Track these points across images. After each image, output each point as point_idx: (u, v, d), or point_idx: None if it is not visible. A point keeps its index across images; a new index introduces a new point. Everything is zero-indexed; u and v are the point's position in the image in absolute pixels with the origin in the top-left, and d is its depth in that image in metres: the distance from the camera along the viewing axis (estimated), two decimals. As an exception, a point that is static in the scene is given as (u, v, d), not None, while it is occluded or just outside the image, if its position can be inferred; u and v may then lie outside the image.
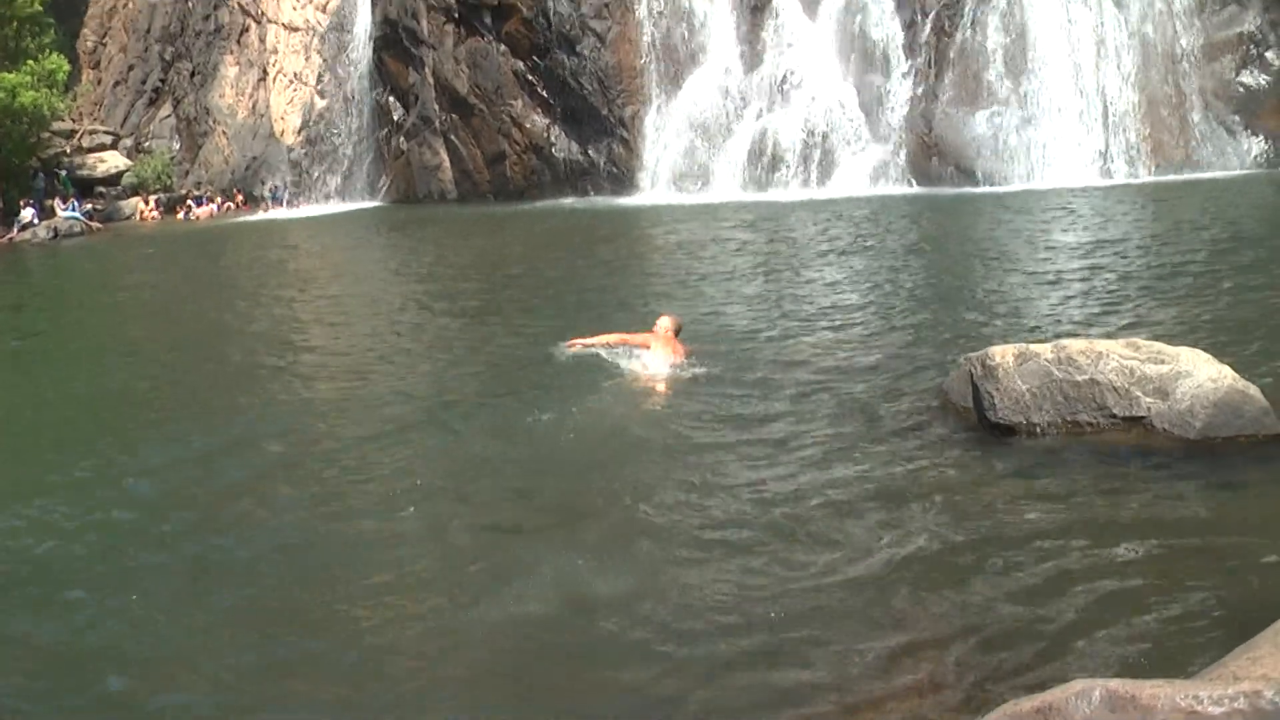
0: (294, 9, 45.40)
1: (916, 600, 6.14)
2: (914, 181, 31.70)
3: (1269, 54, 31.00)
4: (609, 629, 6.05)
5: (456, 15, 37.76)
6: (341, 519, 7.92)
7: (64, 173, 45.32)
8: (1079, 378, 8.25)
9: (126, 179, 47.26)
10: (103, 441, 10.38)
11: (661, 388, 10.78)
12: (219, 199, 45.22)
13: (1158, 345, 8.45)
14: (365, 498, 8.33)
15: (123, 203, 45.71)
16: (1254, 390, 8.03)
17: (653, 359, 11.44)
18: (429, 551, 7.30)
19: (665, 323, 12.04)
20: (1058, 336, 10.44)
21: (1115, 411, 8.10)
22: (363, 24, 42.03)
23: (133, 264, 29.71)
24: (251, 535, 7.72)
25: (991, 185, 30.24)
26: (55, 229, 39.61)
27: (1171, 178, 29.47)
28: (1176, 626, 5.61)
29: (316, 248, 29.12)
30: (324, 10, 44.69)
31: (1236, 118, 30.92)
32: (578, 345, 12.25)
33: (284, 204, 43.12)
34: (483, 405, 10.76)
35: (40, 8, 45.94)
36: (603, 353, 11.90)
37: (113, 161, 47.70)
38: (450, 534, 7.48)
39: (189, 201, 44.82)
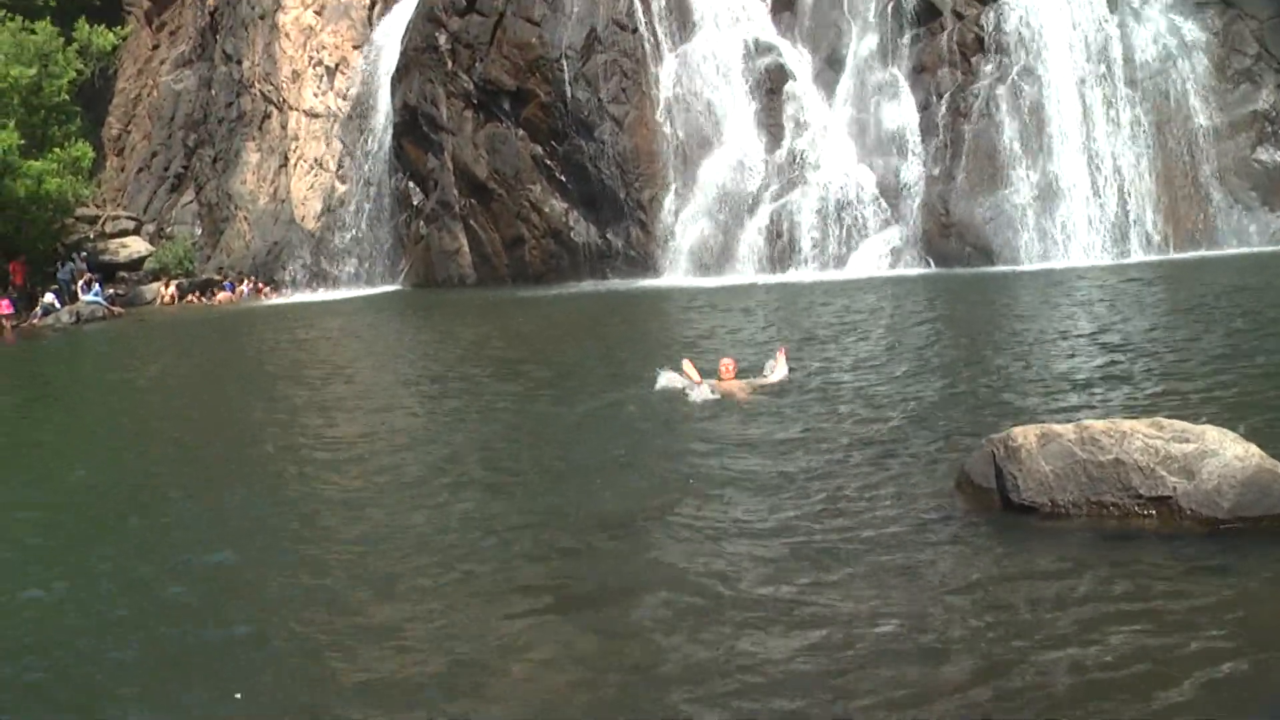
0: (315, 96, 45.96)
1: (933, 679, 6.04)
2: (931, 262, 31.73)
3: (1284, 131, 31.13)
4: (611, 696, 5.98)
5: (475, 101, 38.15)
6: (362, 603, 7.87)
7: (84, 255, 45.68)
8: (1103, 458, 8.16)
9: (149, 264, 47.65)
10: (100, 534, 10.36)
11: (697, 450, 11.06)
12: (250, 280, 45.47)
13: (1182, 424, 8.37)
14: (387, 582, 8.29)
15: (144, 287, 46.06)
16: (1282, 469, 7.94)
17: (716, 394, 14.04)
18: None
19: (726, 362, 14.81)
20: (1080, 416, 10.37)
21: (1140, 491, 8.01)
22: (383, 110, 42.49)
23: (152, 349, 29.84)
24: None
25: (1009, 265, 30.25)
26: (78, 314, 39.88)
27: (1189, 255, 29.48)
28: (1200, 713, 5.50)
29: (335, 333, 29.22)
30: (345, 97, 45.22)
31: (1254, 194, 30.97)
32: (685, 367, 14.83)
33: (304, 289, 43.38)
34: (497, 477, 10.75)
35: (67, 96, 46.72)
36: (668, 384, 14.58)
37: (135, 247, 48.11)
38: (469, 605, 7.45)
39: (223, 285, 45.22)
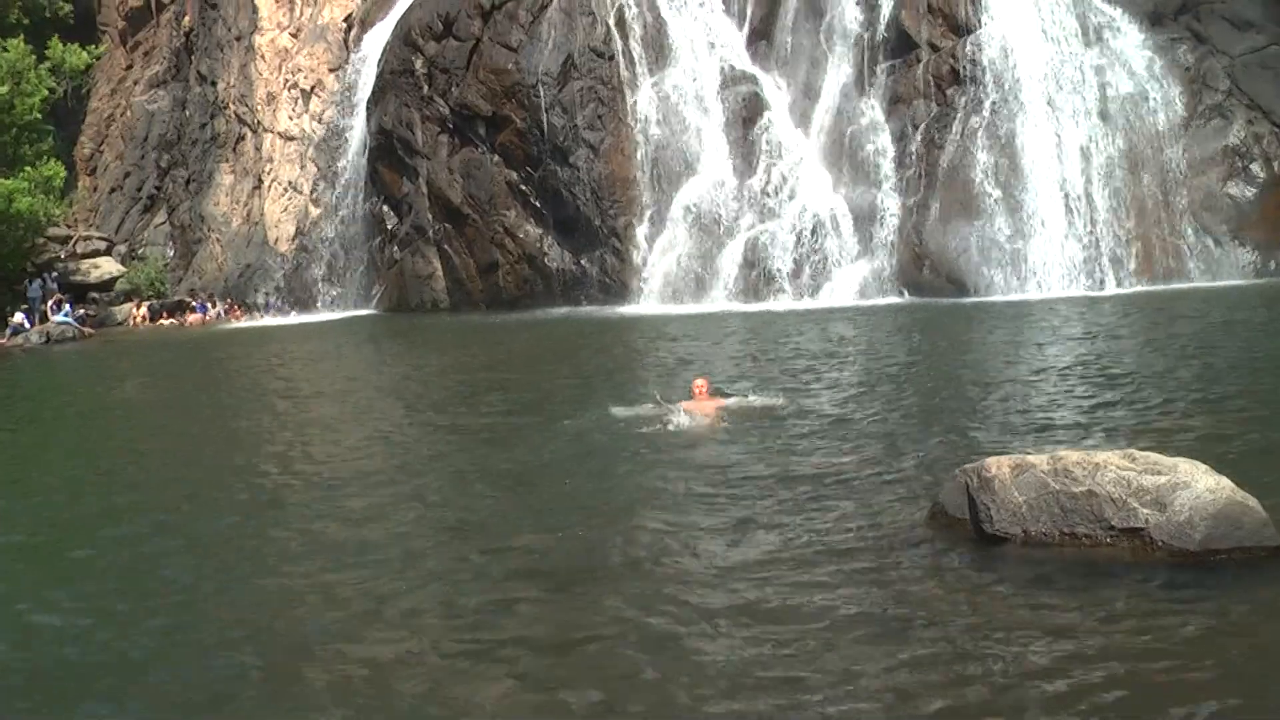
0: (290, 119, 45.87)
1: (905, 712, 5.99)
2: (905, 292, 31.85)
3: (1253, 166, 31.40)
4: None
5: (451, 126, 38.14)
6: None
7: (54, 275, 45.42)
8: (1076, 489, 8.13)
9: (120, 285, 47.41)
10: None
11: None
12: (226, 302, 45.18)
13: (1154, 456, 8.36)
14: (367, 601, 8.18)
15: (115, 308, 45.80)
16: (1253, 502, 7.91)
17: (687, 417, 13.93)
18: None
19: (699, 383, 14.81)
20: (1052, 448, 10.36)
21: (1113, 523, 7.98)
22: (358, 134, 42.43)
23: (122, 371, 29.61)
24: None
25: (983, 296, 30.37)
26: (48, 334, 39.62)
27: (1161, 288, 29.65)
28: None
29: (306, 357, 29.05)
30: (319, 120, 45.16)
31: (1224, 228, 31.22)
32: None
33: (277, 312, 43.23)
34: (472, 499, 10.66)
35: (39, 115, 46.48)
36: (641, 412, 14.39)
37: (106, 268, 47.88)
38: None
39: (193, 305, 44.94)
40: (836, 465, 11.46)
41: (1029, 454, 8.90)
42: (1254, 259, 30.75)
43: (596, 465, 12.30)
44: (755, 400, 15.03)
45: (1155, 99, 32.12)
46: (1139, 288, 30.13)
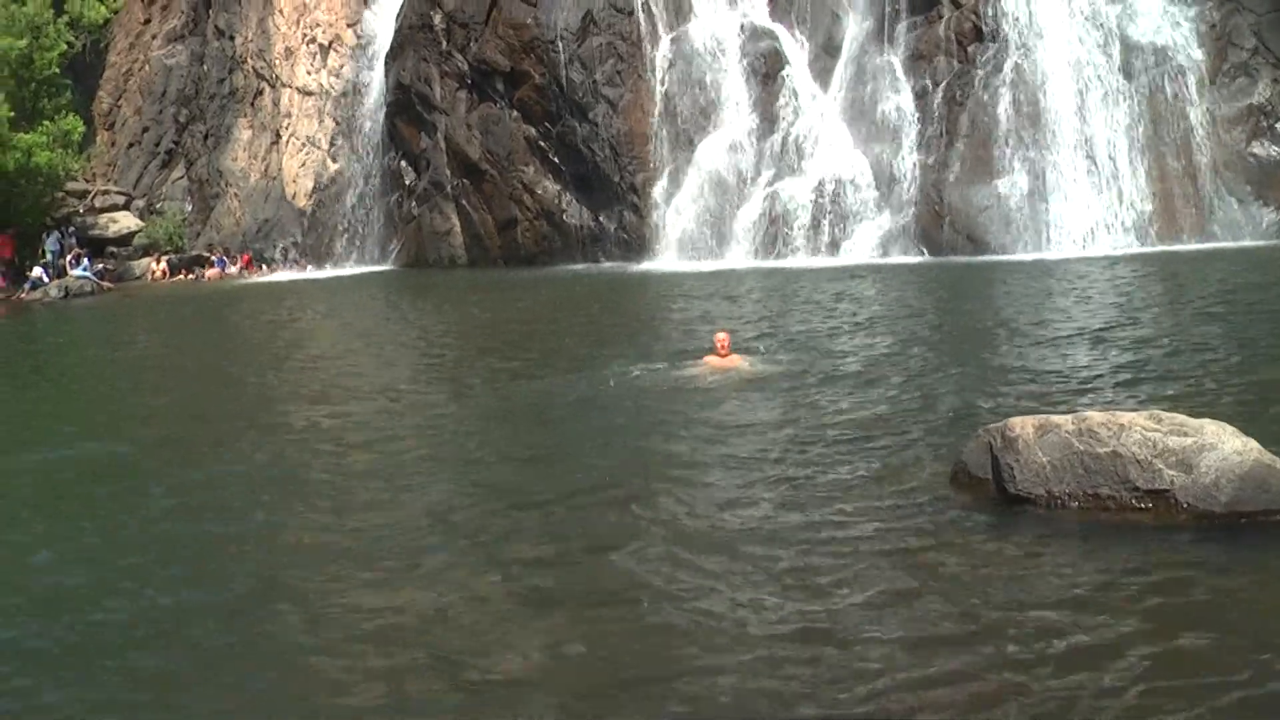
0: (308, 74, 45.69)
1: (927, 670, 6.01)
2: (925, 250, 31.67)
3: (1279, 125, 31.07)
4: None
5: (469, 82, 37.97)
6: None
7: (73, 230, 45.49)
8: (1100, 450, 8.10)
9: (138, 239, 47.37)
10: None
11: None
12: (244, 257, 45.11)
13: (1180, 417, 8.31)
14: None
15: (134, 263, 45.82)
16: (1280, 464, 7.88)
17: (711, 373, 14.13)
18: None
19: (721, 337, 14.76)
20: (1075, 408, 10.33)
21: (1138, 484, 7.94)
22: (376, 89, 42.29)
23: (140, 325, 29.70)
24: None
25: (1003, 254, 30.17)
26: (66, 288, 39.70)
27: (1182, 247, 29.42)
28: (1192, 712, 5.45)
29: (324, 312, 29.06)
30: (338, 75, 44.97)
31: (1248, 188, 30.90)
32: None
33: (294, 266, 43.26)
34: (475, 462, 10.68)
35: (57, 70, 46.42)
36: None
37: (125, 222, 47.82)
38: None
39: (211, 260, 44.92)
40: (858, 424, 11.45)
41: (1053, 414, 8.85)
42: (1277, 219, 30.47)
43: (619, 422, 12.30)
44: (775, 359, 15.00)
45: (1179, 57, 31.74)
46: (1160, 247, 29.90)
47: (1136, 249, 29.86)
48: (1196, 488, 7.80)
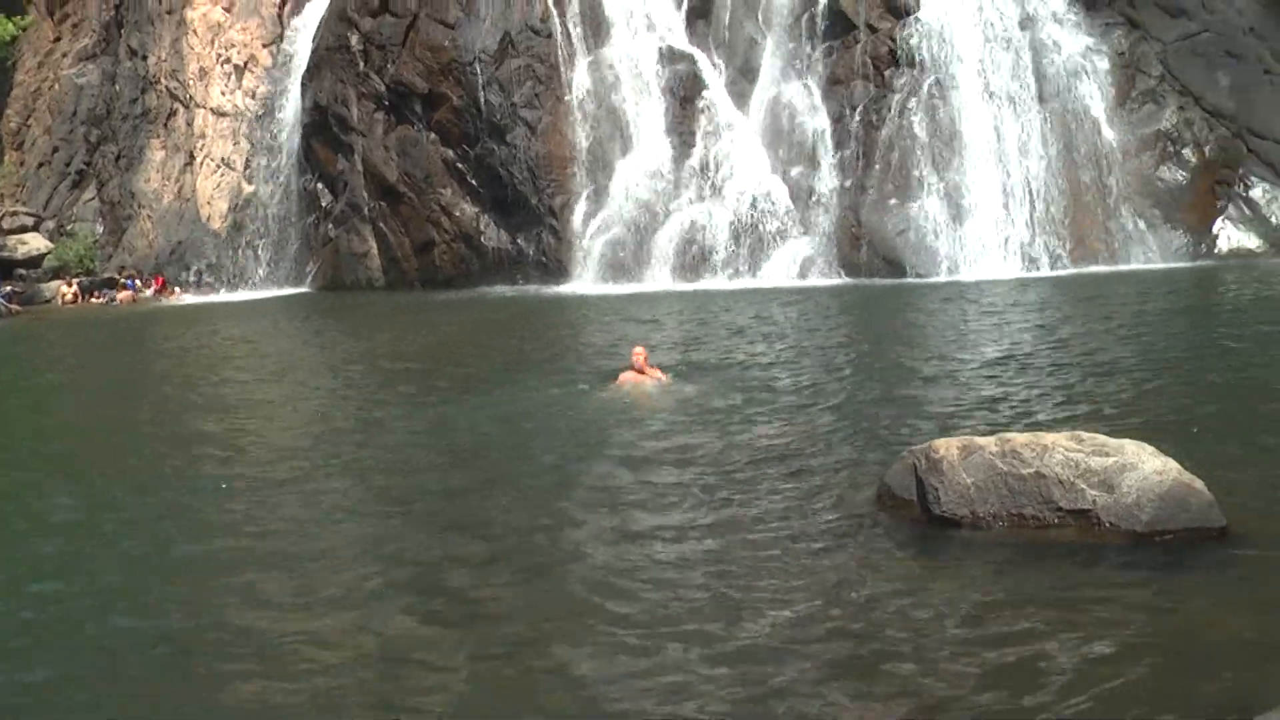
0: (223, 94, 45.18)
1: (850, 689, 6.03)
2: (843, 273, 31.94)
3: (1185, 151, 31.79)
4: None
5: (387, 103, 37.74)
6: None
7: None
8: (1024, 471, 8.17)
9: (48, 261, 46.48)
10: None
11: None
12: (156, 280, 44.33)
13: (1101, 438, 8.41)
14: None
15: (43, 285, 44.92)
16: (1199, 483, 7.98)
17: (628, 387, 14.33)
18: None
19: (639, 350, 14.96)
20: (995, 428, 10.41)
21: (1061, 505, 8.02)
22: (292, 110, 41.88)
23: (51, 350, 29.09)
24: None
25: (919, 277, 30.52)
26: (-28, 311, 38.84)
27: (1094, 270, 29.94)
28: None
29: (238, 335, 28.65)
30: (253, 96, 44.53)
31: (1157, 212, 31.59)
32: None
33: (207, 289, 42.66)
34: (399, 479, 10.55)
35: (-37, 89, 45.47)
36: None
37: (34, 244, 46.89)
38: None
39: (123, 282, 44.12)
40: (782, 446, 11.44)
41: (977, 436, 8.91)
42: (1186, 242, 31.15)
43: (541, 445, 12.19)
44: (696, 379, 15.02)
45: (1090, 84, 32.38)
46: (1073, 270, 30.41)
47: (1049, 271, 30.36)
48: (1119, 507, 7.88)
